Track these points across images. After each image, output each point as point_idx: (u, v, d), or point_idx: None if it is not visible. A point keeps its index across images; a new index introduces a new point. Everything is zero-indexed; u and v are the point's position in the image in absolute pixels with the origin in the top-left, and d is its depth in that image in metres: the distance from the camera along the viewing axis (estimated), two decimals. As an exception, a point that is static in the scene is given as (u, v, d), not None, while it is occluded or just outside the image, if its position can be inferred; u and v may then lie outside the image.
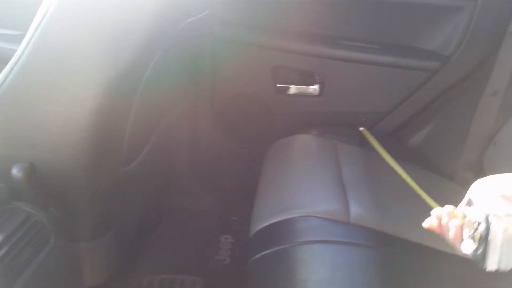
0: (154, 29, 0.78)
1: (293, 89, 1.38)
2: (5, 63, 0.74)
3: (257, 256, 0.81)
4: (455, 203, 1.10)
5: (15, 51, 1.16)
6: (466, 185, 1.19)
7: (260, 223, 0.89)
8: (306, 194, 0.94)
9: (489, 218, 0.46)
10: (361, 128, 1.29)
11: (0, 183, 0.70)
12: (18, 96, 0.71)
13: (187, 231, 1.36)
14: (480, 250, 0.47)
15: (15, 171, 0.71)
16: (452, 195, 1.11)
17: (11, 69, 0.70)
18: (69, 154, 0.74)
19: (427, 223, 0.57)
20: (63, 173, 0.75)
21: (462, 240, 0.51)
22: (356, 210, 0.87)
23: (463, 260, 0.83)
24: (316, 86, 1.36)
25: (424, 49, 1.31)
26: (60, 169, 0.75)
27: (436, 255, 0.81)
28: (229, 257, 1.29)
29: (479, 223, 0.47)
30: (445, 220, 0.54)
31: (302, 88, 1.37)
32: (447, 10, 1.25)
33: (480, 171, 1.12)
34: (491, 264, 0.46)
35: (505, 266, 0.46)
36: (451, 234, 0.52)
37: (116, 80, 0.72)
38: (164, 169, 1.28)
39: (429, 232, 0.86)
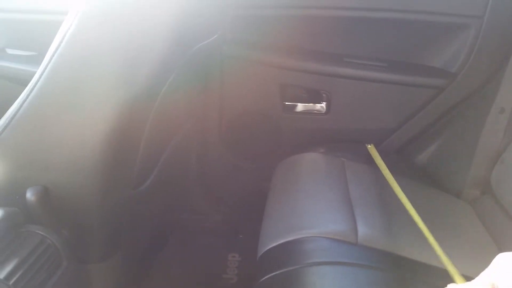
0: (168, 54, 0.80)
1: (300, 106, 1.40)
2: (19, 83, 0.76)
3: (266, 277, 0.81)
4: (462, 220, 1.11)
5: (28, 71, 1.19)
6: (473, 203, 1.19)
7: (268, 244, 0.90)
8: (314, 214, 0.94)
9: None
10: (369, 146, 1.30)
11: (15, 206, 0.71)
12: (34, 119, 0.73)
13: (195, 249, 1.37)
14: None
15: (29, 195, 0.73)
16: (459, 212, 1.12)
17: (29, 93, 0.72)
18: (82, 176, 0.75)
19: None
20: (75, 196, 0.77)
21: None
22: (363, 231, 0.88)
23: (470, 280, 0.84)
24: (324, 104, 1.37)
25: (431, 67, 1.32)
26: (73, 191, 0.76)
27: (445, 276, 0.81)
28: (236, 275, 1.29)
29: None
30: None
31: (310, 105, 1.39)
32: (453, 28, 1.26)
33: (487, 189, 1.12)
34: None
35: None
36: None
37: (130, 102, 0.73)
38: (173, 188, 1.29)
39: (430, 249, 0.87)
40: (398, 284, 0.77)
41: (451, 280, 0.82)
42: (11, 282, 0.62)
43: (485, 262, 0.90)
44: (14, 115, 0.73)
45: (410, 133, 1.35)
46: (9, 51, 1.42)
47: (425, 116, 1.32)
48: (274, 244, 0.89)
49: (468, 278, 0.85)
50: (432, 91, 1.29)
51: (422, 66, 1.33)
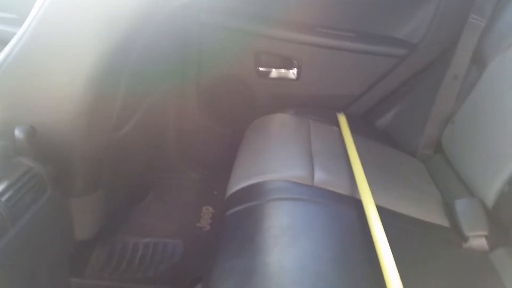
0: (143, 11, 0.87)
1: (273, 72, 1.49)
2: (3, 44, 0.84)
3: (231, 211, 0.91)
4: (414, 176, 1.22)
5: (12, 32, 1.26)
6: (425, 161, 1.31)
7: (235, 186, 1.00)
8: (277, 162, 1.04)
9: None
10: (339, 114, 1.39)
11: (6, 140, 0.80)
12: (23, 67, 0.80)
13: (172, 203, 1.46)
14: None
15: (17, 132, 0.81)
16: (413, 169, 1.23)
17: (17, 43, 0.79)
18: (66, 118, 0.83)
19: None
20: (60, 135, 0.85)
21: None
22: (319, 176, 0.98)
23: (409, 218, 0.95)
24: (295, 70, 1.46)
25: (394, 37, 1.42)
26: (57, 131, 0.84)
27: (385, 213, 0.92)
28: (209, 225, 1.39)
29: None
30: None
31: (282, 72, 1.48)
32: (415, 1, 1.36)
33: (439, 149, 1.24)
34: None
35: None
36: None
37: (107, 54, 0.81)
38: (150, 141, 1.37)
39: (380, 194, 0.98)
40: (344, 217, 0.88)
41: (391, 217, 0.92)
42: (3, 199, 0.71)
43: (427, 206, 1.02)
44: (2, 64, 0.81)
45: (373, 99, 1.46)
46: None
47: (388, 83, 1.43)
48: (239, 187, 0.99)
49: (411, 218, 0.96)
50: (395, 60, 1.40)
51: (387, 36, 1.43)
